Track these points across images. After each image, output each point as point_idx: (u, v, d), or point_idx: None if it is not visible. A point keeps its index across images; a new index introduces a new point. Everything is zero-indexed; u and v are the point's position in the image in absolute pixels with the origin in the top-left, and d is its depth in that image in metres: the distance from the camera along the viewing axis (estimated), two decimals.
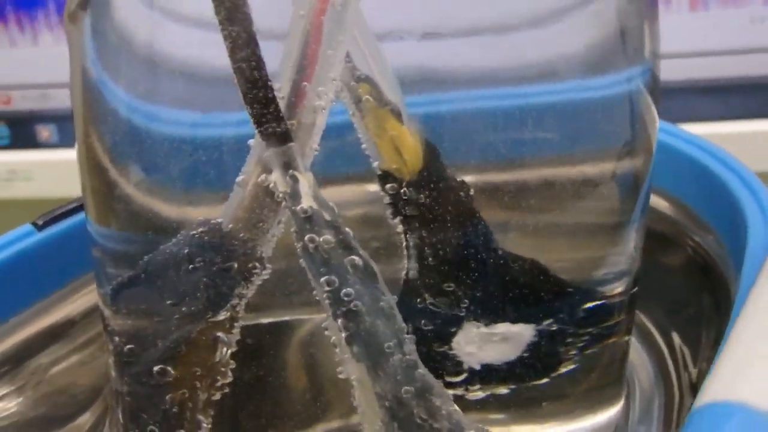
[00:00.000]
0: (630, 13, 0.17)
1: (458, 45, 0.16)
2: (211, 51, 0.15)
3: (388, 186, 0.17)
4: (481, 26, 0.16)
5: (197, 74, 0.16)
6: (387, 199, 0.17)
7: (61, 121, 0.47)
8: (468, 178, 0.16)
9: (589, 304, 0.18)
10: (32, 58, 0.46)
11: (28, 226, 0.21)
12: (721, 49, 0.43)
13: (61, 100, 0.47)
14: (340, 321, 0.15)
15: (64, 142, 0.48)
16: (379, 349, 0.15)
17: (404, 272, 0.17)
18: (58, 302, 0.22)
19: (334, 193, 0.15)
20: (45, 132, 0.48)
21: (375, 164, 0.17)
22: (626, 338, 0.19)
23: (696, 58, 0.44)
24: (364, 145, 0.17)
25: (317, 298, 0.15)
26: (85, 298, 0.22)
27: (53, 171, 0.46)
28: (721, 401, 0.11)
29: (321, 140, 0.15)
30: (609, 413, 0.19)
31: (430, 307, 0.17)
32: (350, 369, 0.15)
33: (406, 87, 0.16)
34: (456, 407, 0.15)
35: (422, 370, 0.15)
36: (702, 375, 0.20)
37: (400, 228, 0.17)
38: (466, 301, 0.17)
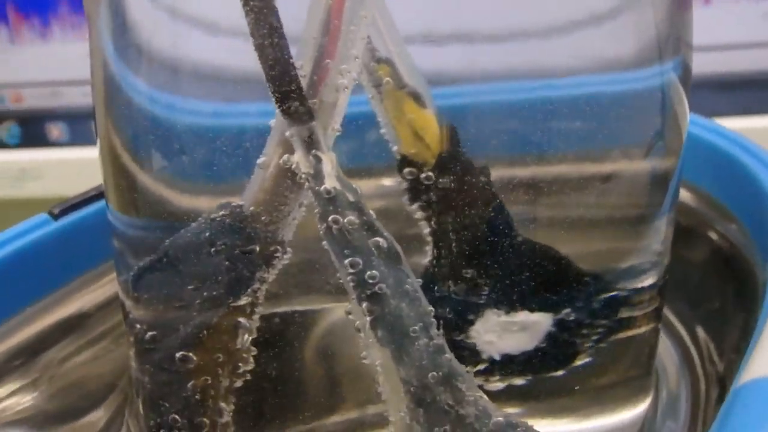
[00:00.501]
0: (665, 5, 0.16)
1: (492, 45, 0.15)
2: (228, 46, 0.15)
3: (406, 171, 0.17)
4: (516, 26, 0.15)
5: (215, 70, 0.16)
6: (405, 185, 0.17)
7: (72, 119, 0.47)
8: (499, 170, 0.16)
9: (618, 296, 0.17)
10: (43, 56, 0.46)
11: (44, 216, 0.21)
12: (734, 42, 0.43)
13: (72, 97, 0.46)
14: (364, 305, 0.14)
15: (75, 140, 0.47)
16: (404, 333, 0.14)
17: (424, 259, 0.17)
18: (73, 293, 0.22)
19: None
20: (56, 130, 0.48)
21: (394, 149, 0.17)
22: (654, 332, 0.19)
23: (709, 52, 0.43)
24: (383, 130, 0.17)
25: (341, 281, 0.15)
26: (101, 290, 0.22)
27: (64, 169, 0.46)
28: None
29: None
30: (639, 408, 0.19)
31: (450, 294, 0.17)
32: (375, 354, 0.15)
33: (441, 80, 0.16)
34: (482, 394, 0.15)
35: (449, 354, 0.15)
36: (730, 366, 0.19)
37: (418, 215, 0.17)
38: (486, 288, 0.17)
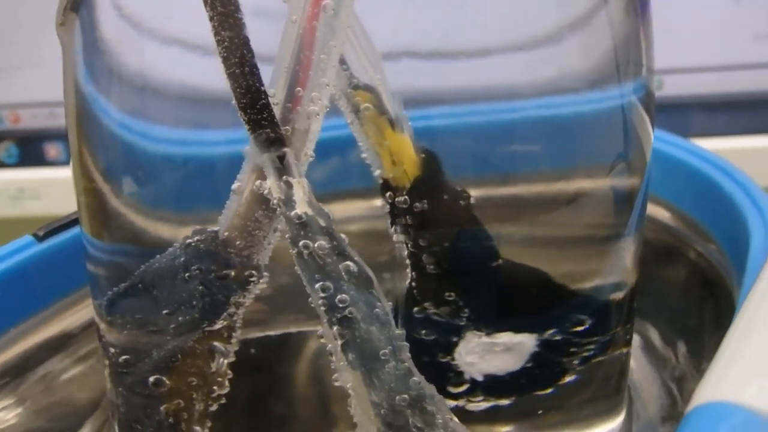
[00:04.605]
0: (624, 30, 0.17)
1: (455, 64, 0.16)
2: (199, 70, 0.15)
3: (388, 195, 0.17)
4: (478, 47, 0.16)
5: (186, 93, 0.16)
6: (388, 209, 0.17)
7: None
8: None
9: (586, 315, 0.17)
10: (41, 77, 0.46)
11: (28, 237, 0.21)
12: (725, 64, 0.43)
13: None
14: (335, 328, 0.15)
15: None
16: (374, 356, 0.14)
17: (405, 282, 0.17)
18: (59, 314, 0.22)
19: (338, 208, 0.15)
20: (53, 150, 0.48)
21: (376, 173, 0.17)
22: (625, 350, 0.19)
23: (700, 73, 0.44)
24: (364, 155, 0.17)
25: (312, 305, 0.15)
26: (85, 310, 0.22)
27: (61, 189, 0.46)
28: (717, 402, 0.11)
29: (324, 155, 0.15)
30: (610, 426, 0.19)
31: (432, 316, 0.17)
32: (346, 377, 0.15)
33: (407, 102, 0.16)
34: (453, 416, 0.15)
35: (417, 377, 0.15)
36: None
37: (397, 237, 0.17)
38: (467, 310, 0.17)
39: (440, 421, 0.15)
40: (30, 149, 0.48)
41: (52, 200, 0.47)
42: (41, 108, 0.47)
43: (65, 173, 0.47)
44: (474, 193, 0.16)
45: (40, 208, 0.47)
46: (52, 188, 0.47)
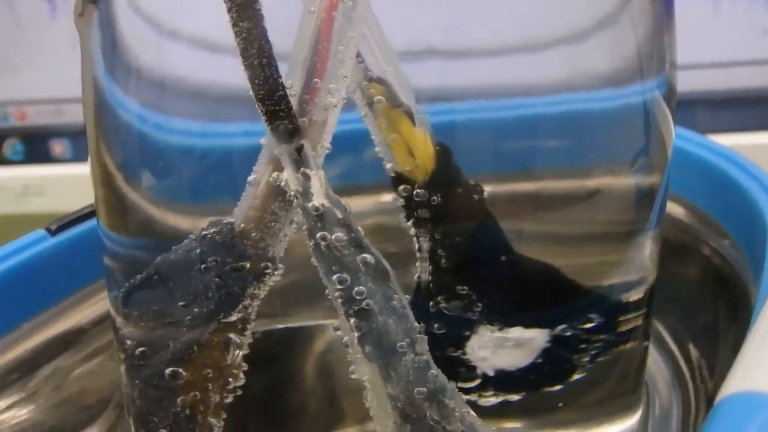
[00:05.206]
0: (648, 25, 0.16)
1: (477, 61, 0.16)
2: (217, 64, 0.15)
3: (401, 188, 0.17)
4: (500, 44, 0.16)
5: (205, 87, 0.16)
6: (401, 202, 0.17)
7: (75, 136, 0.48)
8: (485, 187, 0.16)
9: (604, 312, 0.17)
10: (47, 74, 0.46)
11: (41, 232, 0.21)
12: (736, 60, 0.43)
13: (75, 114, 0.47)
14: (352, 320, 0.14)
15: (78, 156, 0.48)
16: (391, 348, 0.14)
17: (417, 275, 0.17)
18: (70, 309, 0.22)
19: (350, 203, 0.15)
20: (59, 147, 0.48)
21: (388, 166, 0.17)
22: (643, 346, 0.19)
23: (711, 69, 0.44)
24: (377, 148, 0.17)
25: (329, 297, 0.15)
26: (97, 305, 0.22)
27: (67, 186, 0.46)
28: (748, 392, 0.11)
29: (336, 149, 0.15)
30: (628, 423, 0.19)
31: (444, 310, 0.17)
32: (362, 370, 0.15)
33: (431, 98, 0.16)
34: (469, 409, 0.15)
35: (435, 370, 0.15)
36: (721, 383, 0.19)
37: (412, 231, 0.17)
38: (480, 304, 0.17)
39: (457, 414, 0.15)
40: (35, 146, 0.48)
41: (58, 197, 0.47)
42: (47, 105, 0.47)
43: (71, 170, 0.48)
44: (498, 189, 0.16)
45: (46, 205, 0.47)
46: (57, 185, 0.47)
